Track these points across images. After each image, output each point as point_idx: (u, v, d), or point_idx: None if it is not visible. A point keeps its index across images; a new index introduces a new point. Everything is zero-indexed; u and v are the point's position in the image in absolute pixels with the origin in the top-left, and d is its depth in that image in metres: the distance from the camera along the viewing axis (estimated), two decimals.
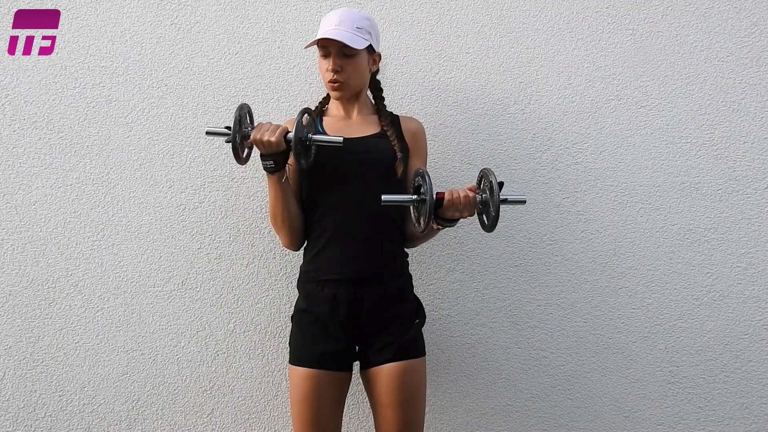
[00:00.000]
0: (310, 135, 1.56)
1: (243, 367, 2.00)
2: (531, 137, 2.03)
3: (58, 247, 1.99)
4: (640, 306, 2.02)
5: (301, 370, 1.60)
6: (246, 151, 1.62)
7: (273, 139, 1.52)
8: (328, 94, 1.78)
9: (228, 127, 1.54)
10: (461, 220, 1.57)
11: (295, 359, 1.63)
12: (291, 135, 1.54)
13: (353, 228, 1.62)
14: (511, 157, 2.02)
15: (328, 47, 1.63)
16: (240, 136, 1.57)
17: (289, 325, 1.72)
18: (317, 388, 1.59)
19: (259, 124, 1.56)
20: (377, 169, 1.64)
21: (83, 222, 1.99)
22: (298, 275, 1.73)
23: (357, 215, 1.62)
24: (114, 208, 1.99)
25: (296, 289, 1.72)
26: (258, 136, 1.53)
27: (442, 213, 1.51)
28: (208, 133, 1.58)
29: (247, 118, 1.60)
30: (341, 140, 1.54)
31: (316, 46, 1.65)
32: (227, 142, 1.55)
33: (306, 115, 1.56)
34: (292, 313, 1.72)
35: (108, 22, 2.01)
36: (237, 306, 1.99)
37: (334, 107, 1.75)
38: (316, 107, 1.77)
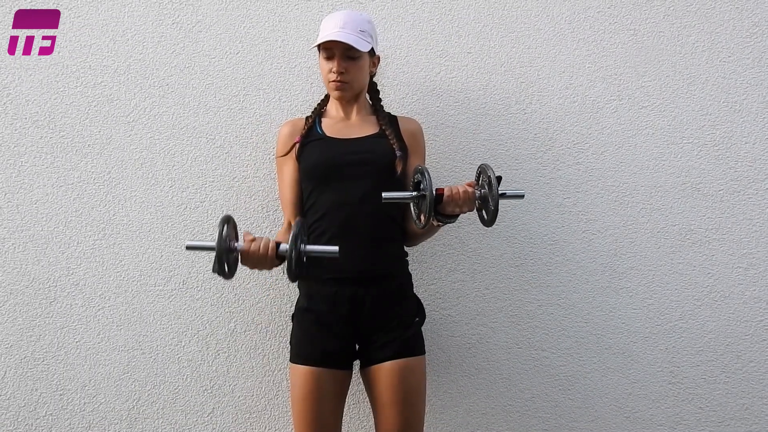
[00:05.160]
0: (304, 248, 1.42)
1: (244, 367, 2.00)
2: (532, 137, 2.03)
3: (59, 246, 1.99)
4: (641, 306, 2.02)
5: (301, 368, 1.61)
6: (233, 264, 1.45)
7: (267, 267, 1.44)
8: (326, 95, 1.78)
9: (212, 248, 1.37)
10: (461, 216, 1.58)
11: (296, 357, 1.63)
12: (284, 247, 1.41)
13: (354, 227, 1.63)
14: (513, 157, 2.02)
15: (332, 49, 1.63)
16: (226, 254, 1.38)
17: (290, 324, 1.72)
18: (318, 386, 1.59)
19: (245, 250, 1.41)
20: (377, 169, 1.65)
21: (84, 221, 1.99)
22: None
23: (357, 215, 1.63)
24: (115, 208, 1.99)
25: (297, 288, 1.73)
26: (250, 266, 1.44)
27: (442, 209, 1.52)
28: (188, 248, 1.43)
29: (225, 230, 1.39)
30: (336, 250, 1.43)
31: (317, 47, 1.66)
32: (213, 271, 1.38)
33: (299, 226, 1.42)
34: (292, 312, 1.72)
35: (108, 21, 2.01)
36: (238, 305, 1.99)
37: (333, 108, 1.76)
38: (315, 108, 1.78)
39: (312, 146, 1.67)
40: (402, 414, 1.59)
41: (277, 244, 1.42)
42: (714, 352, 2.02)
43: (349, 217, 1.63)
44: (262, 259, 1.42)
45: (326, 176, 1.64)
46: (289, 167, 1.70)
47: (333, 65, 1.64)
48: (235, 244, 1.42)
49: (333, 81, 1.65)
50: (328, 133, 1.69)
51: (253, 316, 2.00)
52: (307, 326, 1.64)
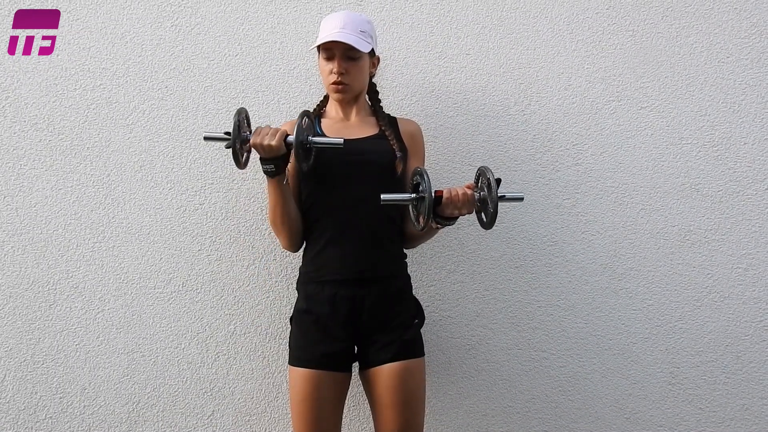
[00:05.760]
0: (310, 138, 1.55)
1: (243, 369, 1.99)
2: (531, 138, 2.03)
3: (58, 249, 1.98)
4: (640, 307, 2.02)
5: (300, 371, 1.60)
6: (245, 155, 1.60)
7: (273, 143, 1.51)
8: (325, 96, 1.78)
9: (227, 133, 1.53)
10: (460, 218, 1.58)
11: (295, 360, 1.63)
12: (291, 138, 1.52)
13: (353, 228, 1.62)
14: (512, 159, 2.02)
15: (332, 49, 1.63)
16: (239, 141, 1.55)
17: (290, 326, 1.72)
18: (317, 388, 1.59)
19: (258, 128, 1.54)
20: (376, 170, 1.65)
21: (84, 224, 1.99)
22: (297, 276, 1.73)
23: (356, 216, 1.63)
24: (114, 210, 1.99)
25: (296, 291, 1.73)
26: (258, 141, 1.51)
27: (440, 211, 1.52)
28: (206, 138, 1.57)
29: (246, 122, 1.59)
30: (342, 141, 1.54)
31: (316, 48, 1.65)
32: (227, 147, 1.53)
33: (306, 117, 1.55)
34: (291, 314, 1.72)
35: (108, 22, 2.01)
36: (237, 308, 1.99)
37: (333, 109, 1.75)
38: (315, 109, 1.78)
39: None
40: (402, 416, 1.59)
41: (287, 135, 1.54)
42: (714, 352, 2.02)
43: (348, 218, 1.63)
44: (272, 136, 1.51)
45: (325, 176, 1.64)
46: (289, 168, 1.69)
47: (333, 66, 1.64)
48: (248, 135, 1.57)
49: (333, 82, 1.65)
50: (328, 134, 1.69)
51: (252, 319, 2.00)
52: (306, 328, 1.64)
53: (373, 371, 1.62)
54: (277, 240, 1.74)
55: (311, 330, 1.63)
